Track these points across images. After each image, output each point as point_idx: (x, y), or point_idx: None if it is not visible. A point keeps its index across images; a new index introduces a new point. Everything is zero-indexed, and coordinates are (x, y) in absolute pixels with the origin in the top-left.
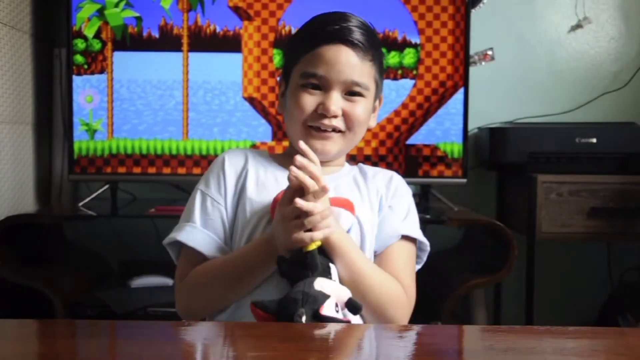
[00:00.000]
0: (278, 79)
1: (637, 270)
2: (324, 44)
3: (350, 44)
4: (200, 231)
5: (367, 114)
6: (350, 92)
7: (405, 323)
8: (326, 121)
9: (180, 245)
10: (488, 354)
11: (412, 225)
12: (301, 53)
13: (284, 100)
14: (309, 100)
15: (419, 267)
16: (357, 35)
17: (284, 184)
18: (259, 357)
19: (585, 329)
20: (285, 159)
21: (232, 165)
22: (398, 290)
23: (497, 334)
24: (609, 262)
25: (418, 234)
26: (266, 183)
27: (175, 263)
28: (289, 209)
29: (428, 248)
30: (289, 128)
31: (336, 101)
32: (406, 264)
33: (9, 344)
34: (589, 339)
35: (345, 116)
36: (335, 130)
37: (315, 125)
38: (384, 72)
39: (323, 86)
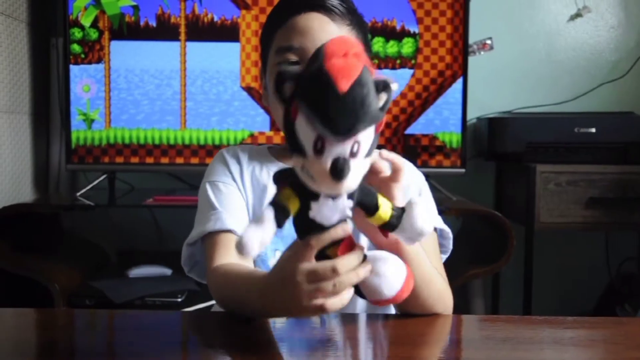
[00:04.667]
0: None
1: (635, 260)
2: (295, 15)
3: (323, 9)
4: (225, 213)
5: None
6: None
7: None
8: None
9: (203, 237)
10: (487, 343)
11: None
12: (274, 31)
13: (267, 92)
14: None
15: (445, 256)
16: (330, 0)
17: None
18: (257, 346)
19: (583, 319)
20: (282, 153)
21: (232, 157)
22: (444, 284)
23: (495, 323)
24: (607, 252)
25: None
26: (260, 180)
27: (185, 262)
28: (310, 267)
29: (450, 235)
30: (276, 116)
31: None
32: (430, 254)
33: (8, 333)
34: (587, 329)
35: None
36: None
37: None
38: (369, 42)
39: (301, 59)
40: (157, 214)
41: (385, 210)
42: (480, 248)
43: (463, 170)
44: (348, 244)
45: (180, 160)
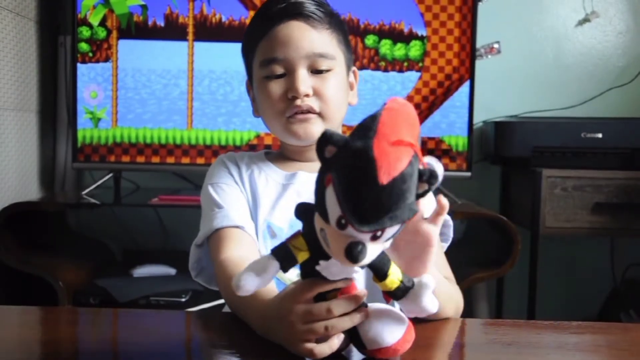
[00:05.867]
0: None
1: (639, 266)
2: (275, 25)
3: (302, 16)
4: (231, 210)
5: (341, 89)
6: (317, 70)
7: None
8: (298, 102)
9: (209, 236)
10: (492, 347)
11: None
12: (256, 43)
13: (257, 104)
14: (275, 88)
15: (447, 244)
16: (308, 6)
17: (273, 185)
18: (261, 346)
19: (588, 324)
20: (278, 159)
21: (230, 162)
22: (451, 287)
23: (500, 327)
24: (612, 258)
25: None
26: (258, 184)
27: (192, 266)
28: (305, 308)
29: (451, 223)
30: (269, 127)
31: (303, 79)
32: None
33: (12, 330)
34: (592, 334)
35: (318, 95)
36: (311, 111)
37: (291, 114)
38: (349, 41)
39: (286, 70)
40: (162, 214)
41: (392, 280)
42: (485, 252)
43: (469, 173)
44: (349, 291)
45: (186, 160)
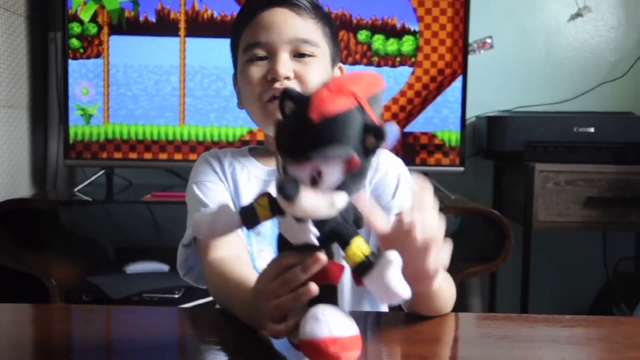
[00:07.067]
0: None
1: (631, 260)
2: (260, 11)
3: (287, 4)
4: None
5: (323, 77)
6: (300, 54)
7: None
8: (278, 84)
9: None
10: (484, 341)
11: (405, 198)
12: (241, 31)
13: (242, 96)
14: (256, 71)
15: None
16: None
17: (255, 181)
18: (254, 342)
19: (580, 317)
20: (262, 154)
21: (213, 159)
22: (452, 286)
23: (493, 321)
24: (604, 252)
25: None
26: (240, 180)
27: (180, 266)
28: (271, 285)
29: None
30: (251, 114)
31: (284, 63)
32: None
33: (4, 328)
34: (585, 327)
35: (299, 78)
36: None
37: (270, 98)
38: (337, 36)
39: (268, 53)
40: (155, 210)
41: (355, 252)
42: (478, 246)
43: (462, 168)
44: (324, 277)
45: (178, 156)
